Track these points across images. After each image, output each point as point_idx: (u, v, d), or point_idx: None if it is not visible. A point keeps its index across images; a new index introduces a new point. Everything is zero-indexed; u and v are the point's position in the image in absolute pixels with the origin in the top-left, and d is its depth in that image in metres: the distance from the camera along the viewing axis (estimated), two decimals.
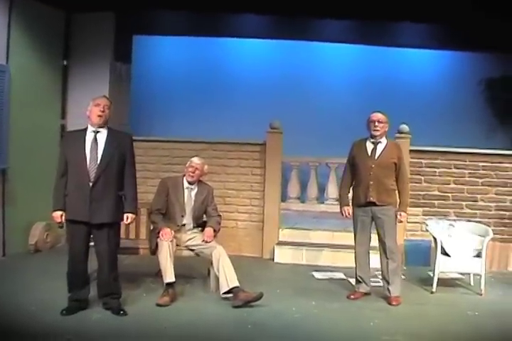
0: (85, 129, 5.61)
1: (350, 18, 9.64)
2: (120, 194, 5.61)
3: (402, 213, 6.53)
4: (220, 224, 6.79)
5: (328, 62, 12.10)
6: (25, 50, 8.22)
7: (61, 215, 5.56)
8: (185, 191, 6.68)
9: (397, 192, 6.52)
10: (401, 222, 6.66)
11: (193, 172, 6.64)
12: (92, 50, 9.19)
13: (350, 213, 6.61)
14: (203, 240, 6.46)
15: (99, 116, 5.51)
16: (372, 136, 6.44)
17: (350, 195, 6.73)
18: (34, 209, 8.25)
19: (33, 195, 8.26)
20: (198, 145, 8.78)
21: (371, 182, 6.34)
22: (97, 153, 5.48)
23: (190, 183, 6.69)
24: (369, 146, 6.47)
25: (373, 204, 6.39)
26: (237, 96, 11.80)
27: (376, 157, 6.40)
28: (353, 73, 12.02)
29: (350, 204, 6.65)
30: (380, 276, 6.74)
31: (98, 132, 5.56)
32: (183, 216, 6.63)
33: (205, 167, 6.77)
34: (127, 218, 5.68)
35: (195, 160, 6.72)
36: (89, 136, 5.54)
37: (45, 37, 8.63)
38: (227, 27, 10.08)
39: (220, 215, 6.86)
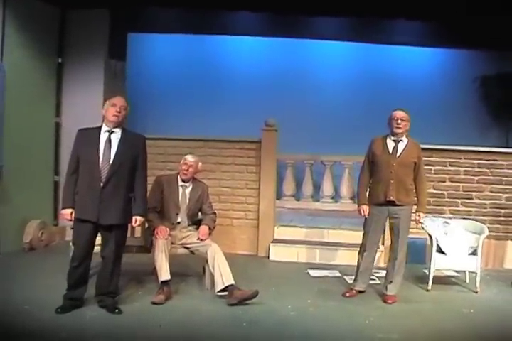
0: (99, 128, 5.57)
1: (345, 16, 9.62)
2: (130, 195, 5.58)
3: (421, 214, 6.48)
4: (215, 221, 6.79)
5: (323, 60, 12.09)
6: (19, 47, 8.18)
7: (71, 213, 5.51)
8: (180, 189, 6.67)
9: (414, 191, 6.44)
10: (420, 223, 6.61)
11: (187, 170, 6.62)
12: (87, 47, 9.15)
13: (367, 213, 6.49)
14: (198, 238, 6.46)
15: (115, 115, 5.48)
16: (394, 134, 6.32)
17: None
18: (29, 207, 8.25)
19: (28, 193, 8.24)
20: (192, 143, 8.75)
21: (392, 181, 6.24)
22: (110, 154, 5.44)
23: (184, 181, 6.68)
24: (390, 144, 6.35)
25: (392, 203, 6.29)
26: (232, 93, 11.78)
27: (398, 155, 6.29)
28: (348, 71, 12.01)
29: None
30: (376, 274, 6.73)
31: (112, 132, 5.51)
32: (177, 214, 6.62)
33: (199, 164, 6.76)
34: (135, 221, 5.63)
35: (189, 157, 6.70)
36: (103, 136, 5.50)
37: (40, 34, 8.59)
38: (222, 24, 10.06)
39: (215, 213, 6.86)
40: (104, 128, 5.54)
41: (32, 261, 7.73)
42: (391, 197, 6.26)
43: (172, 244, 6.45)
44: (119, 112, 5.50)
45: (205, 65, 11.98)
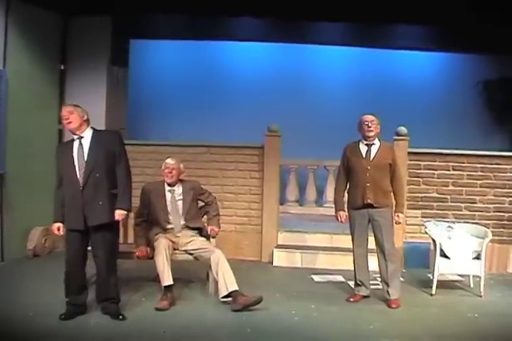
0: (73, 139, 5.64)
1: (347, 21, 9.64)
2: (114, 192, 5.56)
3: (400, 214, 6.54)
4: (219, 214, 6.89)
5: (326, 65, 12.09)
6: (22, 54, 8.21)
7: (58, 227, 5.60)
8: (168, 194, 6.64)
9: (392, 193, 6.52)
10: (399, 223, 6.65)
11: (170, 173, 6.59)
12: (89, 54, 9.18)
13: (345, 218, 6.60)
14: (211, 230, 6.58)
15: (68, 123, 5.51)
16: (366, 138, 6.44)
17: (345, 198, 6.70)
18: (32, 214, 8.24)
19: (31, 199, 8.25)
20: (196, 149, 8.77)
21: (368, 184, 6.34)
22: (83, 157, 5.48)
23: (170, 185, 6.66)
24: (363, 148, 6.47)
25: (370, 206, 6.37)
26: (235, 99, 11.79)
27: (371, 158, 6.40)
28: (351, 76, 12.01)
29: (346, 207, 6.61)
30: (379, 279, 6.73)
31: (82, 137, 5.55)
32: (167, 220, 6.59)
33: (181, 165, 6.72)
34: (117, 215, 5.57)
35: (169, 160, 6.68)
36: (75, 144, 5.55)
37: (42, 41, 8.63)
38: (225, 30, 10.08)
39: (216, 202, 6.94)
40: (74, 137, 5.60)
41: (36, 267, 7.74)
42: (368, 200, 6.35)
43: (175, 250, 6.45)
44: (68, 118, 5.51)
45: (208, 71, 11.98)
